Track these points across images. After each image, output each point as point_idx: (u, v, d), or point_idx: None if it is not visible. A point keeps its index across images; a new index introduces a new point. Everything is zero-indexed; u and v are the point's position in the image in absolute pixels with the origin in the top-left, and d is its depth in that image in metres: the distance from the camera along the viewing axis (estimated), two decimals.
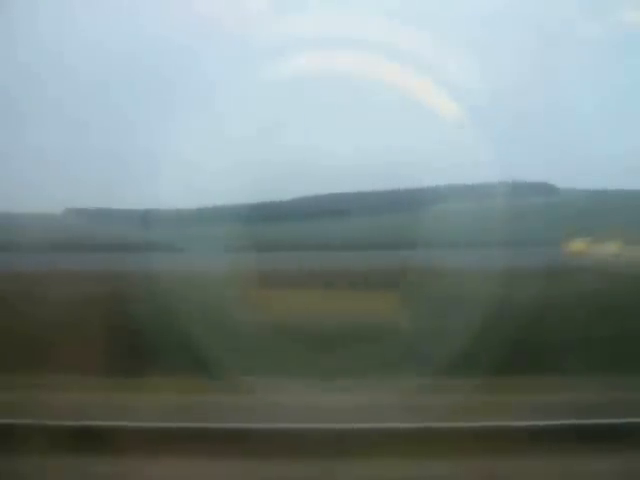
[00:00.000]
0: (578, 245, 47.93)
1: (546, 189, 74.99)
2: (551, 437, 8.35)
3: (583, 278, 21.73)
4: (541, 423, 8.77)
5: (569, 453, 8.02)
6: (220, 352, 11.48)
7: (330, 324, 13.43)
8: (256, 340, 12.61)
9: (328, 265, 24.00)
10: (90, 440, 8.11)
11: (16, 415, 8.80)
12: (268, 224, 51.83)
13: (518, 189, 67.30)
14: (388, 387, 10.39)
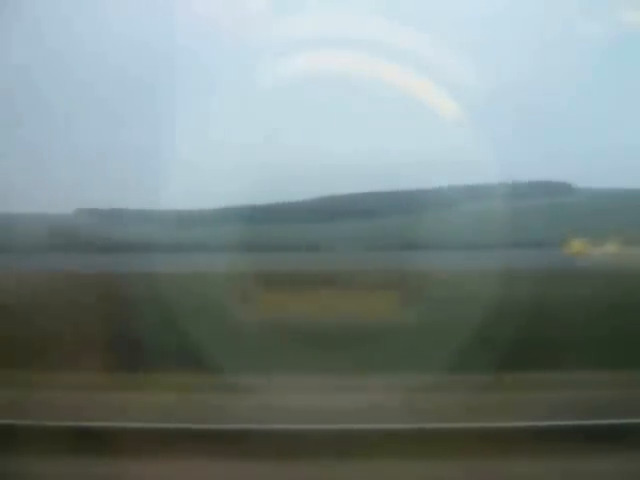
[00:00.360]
0: (578, 245, 47.52)
1: (563, 188, 73.86)
2: (551, 437, 8.18)
3: (590, 279, 21.43)
4: (541, 424, 8.59)
5: (569, 454, 7.86)
6: (222, 351, 11.36)
7: (333, 324, 13.31)
8: (259, 339, 12.50)
9: (331, 266, 23.86)
10: (89, 441, 7.96)
11: (15, 414, 8.65)
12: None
13: (535, 188, 66.64)
14: (389, 386, 10.25)
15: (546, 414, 9.00)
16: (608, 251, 42.88)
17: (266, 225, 50.51)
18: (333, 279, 17.52)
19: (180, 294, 15.23)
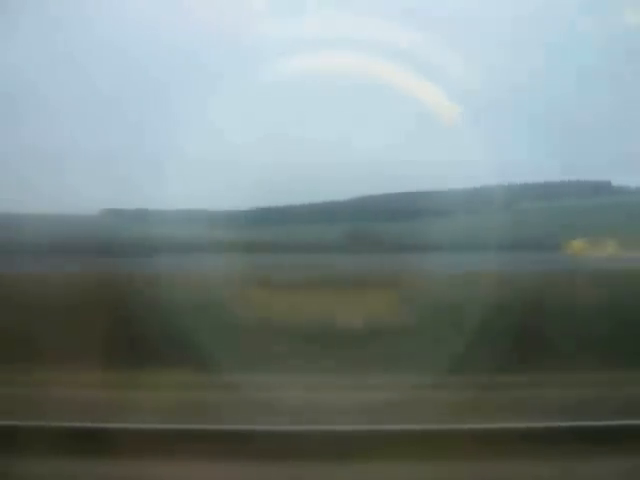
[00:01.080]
0: (578, 245, 46.42)
1: (604, 187, 70.91)
2: (551, 438, 7.89)
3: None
4: (541, 425, 8.29)
5: (569, 455, 7.58)
6: (223, 350, 11.12)
7: (332, 324, 13.05)
8: (258, 338, 12.24)
9: (332, 267, 23.67)
10: (90, 441, 7.73)
11: (15, 414, 8.45)
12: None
13: (578, 188, 64.92)
14: (387, 385, 10.04)
15: (546, 415, 8.71)
16: (610, 251, 42.12)
17: (267, 226, 50.57)
18: (334, 279, 17.28)
19: (182, 293, 14.90)
